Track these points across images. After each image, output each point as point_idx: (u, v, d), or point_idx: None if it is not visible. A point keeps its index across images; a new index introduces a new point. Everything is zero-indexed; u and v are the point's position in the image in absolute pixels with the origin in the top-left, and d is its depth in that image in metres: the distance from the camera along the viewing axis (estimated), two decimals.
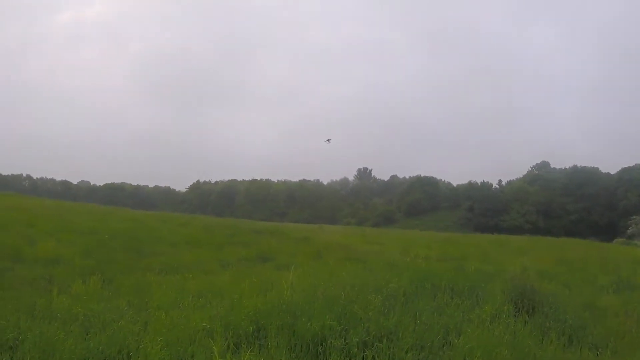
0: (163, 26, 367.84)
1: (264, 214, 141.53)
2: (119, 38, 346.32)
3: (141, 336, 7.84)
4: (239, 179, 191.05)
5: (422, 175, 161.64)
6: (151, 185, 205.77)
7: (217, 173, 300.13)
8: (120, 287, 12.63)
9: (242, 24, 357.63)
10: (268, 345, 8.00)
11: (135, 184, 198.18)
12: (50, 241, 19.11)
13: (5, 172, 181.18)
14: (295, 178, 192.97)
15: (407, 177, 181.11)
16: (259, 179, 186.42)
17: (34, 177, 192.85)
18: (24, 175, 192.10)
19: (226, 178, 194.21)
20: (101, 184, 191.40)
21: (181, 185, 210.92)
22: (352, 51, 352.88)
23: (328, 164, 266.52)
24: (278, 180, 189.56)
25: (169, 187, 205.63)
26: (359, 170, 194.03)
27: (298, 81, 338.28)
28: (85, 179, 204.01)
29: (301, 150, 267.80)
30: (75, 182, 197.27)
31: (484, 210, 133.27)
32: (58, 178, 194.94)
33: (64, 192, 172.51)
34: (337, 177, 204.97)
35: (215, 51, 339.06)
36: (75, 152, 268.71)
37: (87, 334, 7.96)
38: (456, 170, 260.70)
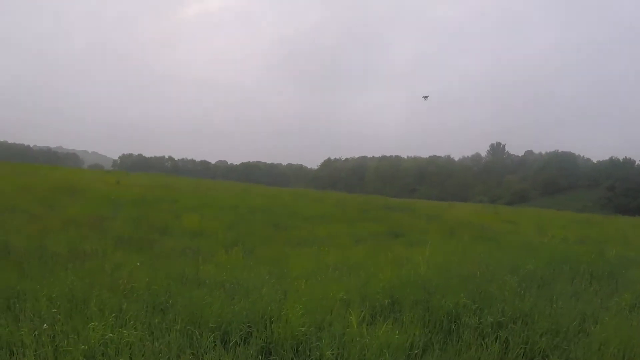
0: (292, 10, 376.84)
1: (394, 190, 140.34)
2: (248, 24, 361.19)
3: (282, 303, 8.10)
4: (369, 155, 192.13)
5: (560, 151, 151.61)
6: (284, 163, 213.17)
7: (348, 150, 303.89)
8: (260, 257, 13.15)
9: (370, 4, 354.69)
10: (403, 319, 8.03)
11: (270, 162, 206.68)
12: (194, 216, 20.46)
13: (148, 155, 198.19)
14: (425, 154, 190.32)
15: (544, 152, 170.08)
16: (388, 155, 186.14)
17: (176, 158, 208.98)
18: (166, 157, 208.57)
19: (356, 155, 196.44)
20: (237, 163, 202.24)
21: (313, 162, 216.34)
22: (483, 24, 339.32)
23: (460, 139, 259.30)
24: (408, 157, 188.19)
25: (301, 164, 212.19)
26: (492, 145, 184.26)
27: (427, 58, 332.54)
28: (223, 159, 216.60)
29: (432, 126, 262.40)
30: (213, 162, 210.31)
31: (626, 190, 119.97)
32: (198, 159, 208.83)
33: (204, 171, 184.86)
34: (469, 152, 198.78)
35: (344, 32, 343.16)
36: (214, 134, 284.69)
37: (232, 299, 8.35)
38: (597, 144, 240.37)
